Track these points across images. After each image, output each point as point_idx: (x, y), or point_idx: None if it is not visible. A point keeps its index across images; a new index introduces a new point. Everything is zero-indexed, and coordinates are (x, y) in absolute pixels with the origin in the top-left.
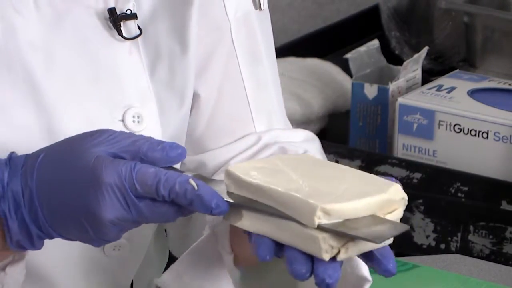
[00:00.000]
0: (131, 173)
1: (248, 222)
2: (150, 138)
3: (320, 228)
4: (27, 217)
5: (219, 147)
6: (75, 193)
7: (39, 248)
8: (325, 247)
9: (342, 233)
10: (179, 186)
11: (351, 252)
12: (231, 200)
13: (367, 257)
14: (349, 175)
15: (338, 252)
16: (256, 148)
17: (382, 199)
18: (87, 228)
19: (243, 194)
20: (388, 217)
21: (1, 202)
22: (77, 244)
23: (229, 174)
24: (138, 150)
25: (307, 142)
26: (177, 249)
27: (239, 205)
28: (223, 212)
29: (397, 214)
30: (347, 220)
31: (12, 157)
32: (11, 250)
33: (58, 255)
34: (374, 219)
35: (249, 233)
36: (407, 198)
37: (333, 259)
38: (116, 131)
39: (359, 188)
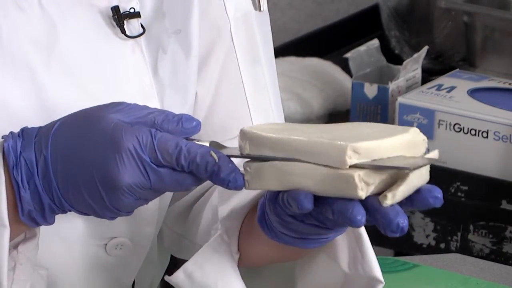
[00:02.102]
0: (152, 140)
1: (273, 181)
2: (165, 111)
3: (353, 167)
4: (39, 186)
5: None
6: (92, 157)
7: (50, 223)
8: (360, 185)
9: (379, 166)
10: (200, 158)
11: (398, 197)
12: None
13: (412, 196)
14: (366, 125)
15: (386, 199)
16: None
17: (406, 139)
18: (102, 194)
19: (260, 152)
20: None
21: (14, 171)
22: (80, 243)
23: (244, 134)
24: (153, 120)
25: None
26: (172, 248)
27: (260, 166)
28: (239, 187)
29: (431, 156)
30: (376, 160)
31: (24, 129)
32: (23, 224)
33: (61, 253)
34: (403, 157)
35: (261, 220)
36: (427, 139)
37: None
38: (131, 103)
39: (381, 132)
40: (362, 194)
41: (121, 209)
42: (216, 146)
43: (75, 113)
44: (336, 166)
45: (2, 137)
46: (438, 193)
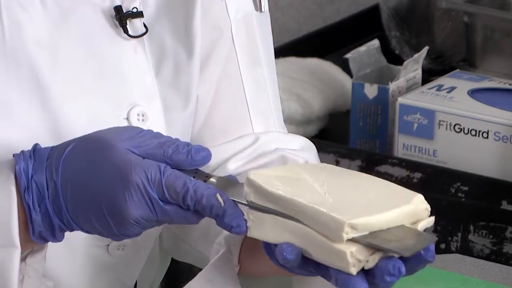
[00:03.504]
0: (161, 177)
1: (272, 234)
2: (177, 140)
3: (349, 241)
4: (50, 210)
5: (216, 145)
6: (101, 188)
7: (60, 240)
8: (353, 261)
9: (375, 246)
10: (206, 200)
11: (378, 259)
12: (253, 211)
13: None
14: (371, 185)
15: (367, 262)
16: (254, 148)
17: (407, 210)
18: (111, 224)
19: (264, 204)
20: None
21: (25, 194)
22: (82, 244)
23: (250, 183)
24: (163, 153)
25: (305, 151)
26: (171, 251)
27: (262, 216)
28: (242, 233)
29: (424, 224)
30: (374, 232)
31: (36, 148)
32: (32, 243)
33: (63, 254)
34: (403, 230)
35: (267, 246)
36: (430, 208)
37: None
38: (144, 130)
39: (383, 199)
40: (354, 270)
41: (128, 235)
42: (223, 182)
43: (87, 137)
44: (333, 239)
45: (14, 155)
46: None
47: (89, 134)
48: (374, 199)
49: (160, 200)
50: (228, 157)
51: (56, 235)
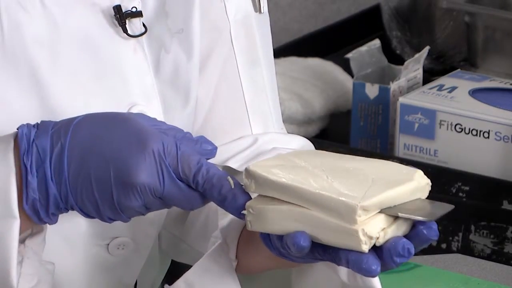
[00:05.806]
0: (176, 150)
1: (277, 225)
2: (182, 130)
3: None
4: (48, 175)
5: None
6: (113, 150)
7: (53, 221)
8: (364, 239)
9: (401, 216)
10: (217, 180)
11: (388, 235)
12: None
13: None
14: (370, 166)
15: (378, 239)
16: (253, 149)
17: (412, 186)
18: (113, 190)
19: (266, 193)
20: None
21: (24, 157)
22: (82, 243)
23: (249, 173)
24: (174, 135)
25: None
26: (170, 251)
27: (263, 208)
28: None
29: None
30: (384, 209)
31: (41, 121)
32: (26, 217)
33: (63, 253)
34: (417, 202)
35: (265, 238)
36: (430, 183)
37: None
38: (151, 117)
39: (386, 178)
40: (366, 248)
41: (124, 210)
42: (230, 171)
43: (99, 112)
44: (346, 222)
45: (18, 128)
46: (432, 224)
47: (101, 112)
48: (377, 179)
49: (172, 173)
50: (227, 158)
51: (49, 210)
